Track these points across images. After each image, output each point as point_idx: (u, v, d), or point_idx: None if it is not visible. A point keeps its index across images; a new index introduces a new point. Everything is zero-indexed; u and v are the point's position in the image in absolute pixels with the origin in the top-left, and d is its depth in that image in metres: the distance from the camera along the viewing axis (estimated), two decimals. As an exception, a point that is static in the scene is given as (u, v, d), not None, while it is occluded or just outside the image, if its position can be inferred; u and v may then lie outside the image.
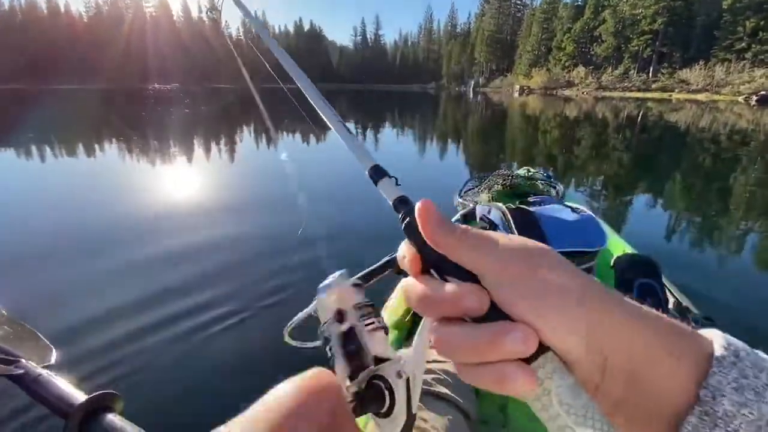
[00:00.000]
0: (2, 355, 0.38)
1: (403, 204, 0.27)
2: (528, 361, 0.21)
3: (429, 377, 0.88)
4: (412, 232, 0.25)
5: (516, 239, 0.23)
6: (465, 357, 0.22)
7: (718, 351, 0.20)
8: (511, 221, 1.26)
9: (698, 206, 4.35)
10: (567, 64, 55.32)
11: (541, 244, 0.23)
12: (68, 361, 1.63)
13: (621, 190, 4.99)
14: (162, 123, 12.34)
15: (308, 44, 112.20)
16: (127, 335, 1.83)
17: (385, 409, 0.26)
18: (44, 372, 0.37)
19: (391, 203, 0.28)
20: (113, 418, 0.35)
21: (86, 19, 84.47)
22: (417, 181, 5.34)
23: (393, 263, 0.95)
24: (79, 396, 0.35)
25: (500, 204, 1.33)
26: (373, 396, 0.25)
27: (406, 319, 1.26)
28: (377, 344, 0.26)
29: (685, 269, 2.54)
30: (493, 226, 1.35)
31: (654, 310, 0.22)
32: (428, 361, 0.93)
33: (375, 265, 0.98)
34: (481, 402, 0.98)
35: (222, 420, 0.17)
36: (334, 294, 0.27)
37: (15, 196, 4.30)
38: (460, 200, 1.79)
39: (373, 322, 0.27)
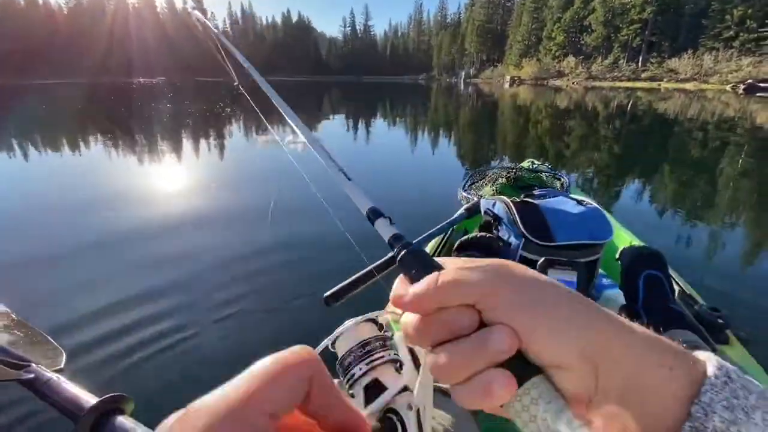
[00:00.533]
0: (13, 360, 0.38)
1: (397, 241, 0.30)
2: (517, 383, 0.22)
3: None
4: (406, 267, 0.27)
5: (497, 263, 0.24)
6: (457, 373, 0.23)
7: (711, 371, 0.21)
8: (516, 214, 1.24)
9: (701, 196, 4.35)
10: (557, 54, 55.37)
11: (522, 266, 0.24)
12: (78, 364, 1.62)
13: (624, 182, 5.00)
14: (143, 120, 12.06)
15: (297, 36, 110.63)
16: (137, 337, 1.80)
17: None
18: (54, 376, 0.37)
19: (387, 241, 0.32)
20: (124, 420, 0.35)
21: (66, 11, 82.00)
22: (410, 176, 5.31)
23: (394, 260, 0.94)
24: (89, 399, 0.36)
25: (504, 197, 1.30)
26: (388, 430, 0.27)
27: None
28: (388, 376, 0.28)
29: (692, 260, 2.55)
30: (497, 220, 1.32)
31: (642, 327, 0.23)
32: None
33: (379, 261, 0.96)
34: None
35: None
36: (359, 328, 0.29)
37: (6, 198, 4.16)
38: (464, 194, 1.76)
39: (383, 356, 0.28)
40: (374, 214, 0.34)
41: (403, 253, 0.28)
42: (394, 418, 0.27)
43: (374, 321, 0.30)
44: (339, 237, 2.83)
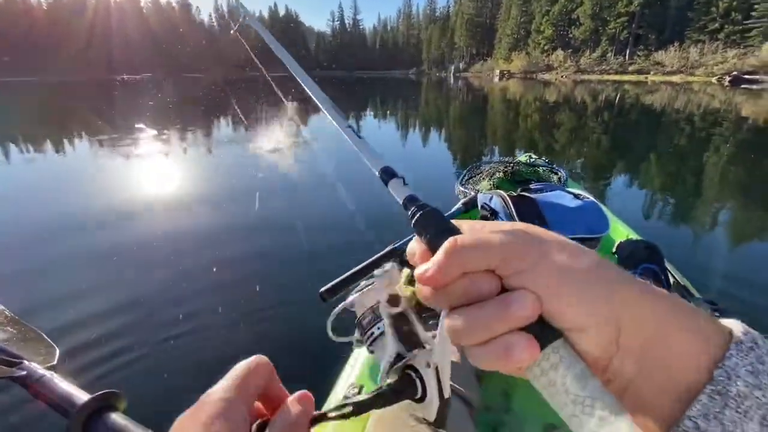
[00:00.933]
0: (5, 357, 0.39)
1: (412, 202, 0.29)
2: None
3: None
4: (421, 229, 0.26)
5: (514, 226, 0.24)
6: (476, 336, 0.22)
7: (738, 336, 0.21)
8: (512, 208, 1.23)
9: (696, 188, 4.38)
10: (546, 47, 55.58)
11: (542, 229, 0.24)
12: (71, 361, 1.60)
13: (619, 174, 5.02)
14: (127, 116, 11.82)
15: (284, 31, 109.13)
16: (130, 333, 1.78)
17: (419, 395, 0.28)
18: (47, 373, 0.38)
19: (401, 202, 0.30)
20: (116, 417, 0.35)
21: (45, 6, 79.58)
22: (404, 171, 5.28)
23: (394, 253, 0.92)
24: (81, 396, 0.35)
25: (501, 191, 1.29)
26: (407, 385, 0.28)
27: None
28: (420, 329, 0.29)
29: (689, 253, 2.56)
30: (494, 214, 1.31)
31: (667, 292, 0.23)
32: None
33: (378, 255, 0.94)
34: (484, 389, 0.96)
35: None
36: (390, 279, 0.30)
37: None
38: (462, 188, 1.74)
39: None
40: (387, 175, 0.33)
41: (418, 215, 0.27)
42: (413, 374, 0.28)
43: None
44: (345, 227, 2.83)
